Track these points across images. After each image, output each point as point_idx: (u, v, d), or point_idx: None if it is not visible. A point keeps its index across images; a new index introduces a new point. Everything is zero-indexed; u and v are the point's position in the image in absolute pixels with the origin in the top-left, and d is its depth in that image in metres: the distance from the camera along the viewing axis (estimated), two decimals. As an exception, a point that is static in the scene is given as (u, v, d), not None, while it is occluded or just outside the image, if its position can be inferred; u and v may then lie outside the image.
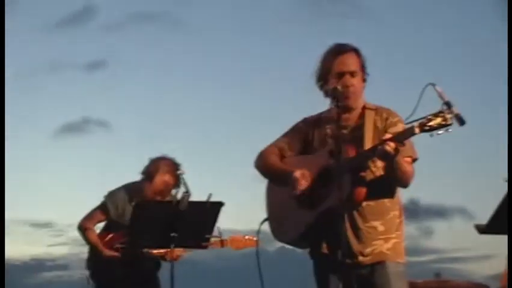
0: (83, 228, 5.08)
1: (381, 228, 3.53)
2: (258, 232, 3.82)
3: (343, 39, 3.76)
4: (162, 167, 4.99)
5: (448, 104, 3.15)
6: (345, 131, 3.58)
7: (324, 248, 3.52)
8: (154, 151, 5.19)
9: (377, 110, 3.63)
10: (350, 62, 3.59)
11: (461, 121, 3.15)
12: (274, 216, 3.74)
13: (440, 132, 3.14)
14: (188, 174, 5.03)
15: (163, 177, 4.96)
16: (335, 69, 3.59)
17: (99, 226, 5.20)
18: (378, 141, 3.41)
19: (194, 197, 4.42)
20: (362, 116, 3.63)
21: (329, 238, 3.48)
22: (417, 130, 3.19)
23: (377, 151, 3.31)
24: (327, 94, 3.64)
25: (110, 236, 5.00)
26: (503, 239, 4.84)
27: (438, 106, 3.18)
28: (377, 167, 3.51)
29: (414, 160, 3.54)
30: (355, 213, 3.50)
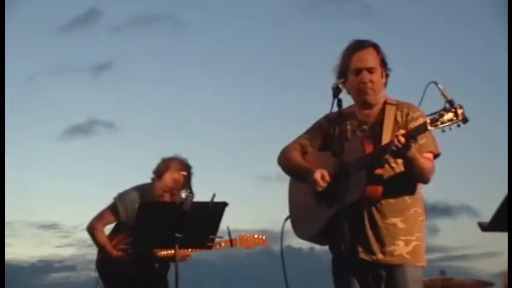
0: (92, 229, 5.07)
1: (401, 225, 3.49)
2: (282, 231, 3.76)
3: (348, 38, 3.75)
4: (173, 166, 5.03)
5: (451, 102, 3.14)
6: (365, 127, 3.58)
7: (343, 245, 3.51)
8: (160, 152, 5.22)
9: (398, 105, 3.60)
10: (368, 58, 3.57)
11: (465, 119, 3.14)
12: (295, 213, 3.74)
13: (451, 127, 3.11)
14: (195, 175, 5.08)
15: (172, 175, 4.99)
16: (353, 65, 3.57)
17: (108, 227, 5.20)
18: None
19: (201, 197, 4.44)
20: (382, 111, 3.60)
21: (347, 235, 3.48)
22: (429, 126, 3.16)
23: (389, 148, 3.30)
24: (348, 91, 3.62)
25: (120, 237, 4.99)
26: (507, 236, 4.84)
27: (441, 104, 3.18)
28: (397, 163, 3.49)
29: (436, 155, 3.52)
30: (374, 210, 3.48)
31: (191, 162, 5.12)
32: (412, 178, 3.51)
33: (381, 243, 3.47)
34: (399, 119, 3.55)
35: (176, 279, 4.28)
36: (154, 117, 10.38)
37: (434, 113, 3.16)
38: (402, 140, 3.22)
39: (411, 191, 3.55)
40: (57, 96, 10.68)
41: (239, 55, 10.54)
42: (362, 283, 3.48)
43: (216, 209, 4.38)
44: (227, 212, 4.42)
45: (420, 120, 3.44)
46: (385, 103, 3.62)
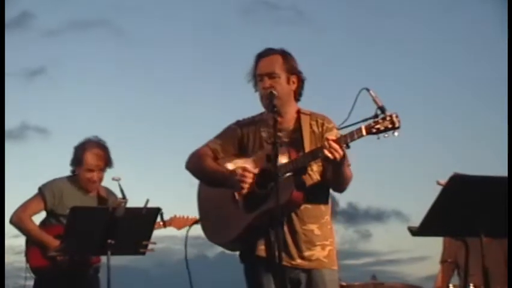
0: (20, 221, 4.83)
1: (317, 231, 3.56)
2: (186, 235, 3.86)
3: (282, 44, 3.77)
4: (88, 145, 4.94)
5: (382, 109, 3.21)
6: (280, 134, 3.57)
7: (260, 251, 3.53)
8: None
9: (312, 115, 3.67)
10: (270, 64, 3.62)
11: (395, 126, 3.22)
12: (209, 218, 3.72)
13: (386, 135, 3.19)
14: (129, 180, 5.00)
15: (92, 151, 4.89)
16: (257, 71, 3.65)
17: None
18: (319, 144, 3.47)
19: (135, 203, 4.38)
20: (298, 120, 3.65)
21: (266, 240, 3.50)
22: (364, 132, 3.23)
23: (320, 153, 3.32)
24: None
25: (53, 229, 4.82)
26: (437, 241, 4.97)
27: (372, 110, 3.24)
28: (313, 171, 3.56)
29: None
30: (293, 215, 3.53)
31: (125, 167, 5.06)
32: (333, 185, 3.58)
33: (299, 249, 3.53)
34: (314, 128, 3.62)
35: (109, 284, 4.21)
36: (86, 122, 10.25)
37: (367, 119, 3.23)
38: (336, 146, 3.26)
39: (326, 199, 3.64)
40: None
41: (175, 60, 10.52)
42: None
43: (150, 215, 4.33)
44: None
45: (334, 131, 3.56)
46: (299, 112, 3.68)
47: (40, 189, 4.94)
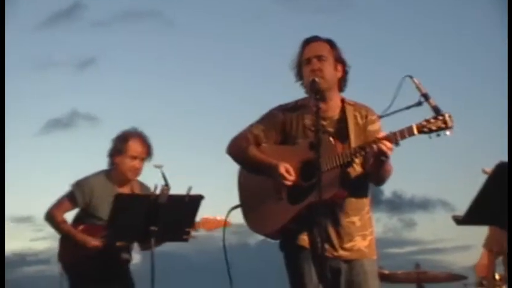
0: (52, 217, 4.92)
1: (358, 223, 3.55)
2: (226, 218, 3.82)
3: (326, 34, 3.73)
4: (130, 135, 4.95)
5: (426, 96, 3.18)
6: (324, 123, 3.54)
7: (302, 240, 3.51)
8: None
9: (355, 106, 3.62)
10: (318, 48, 3.59)
11: (438, 112, 3.18)
12: (251, 206, 3.69)
13: (438, 134, 3.16)
14: (175, 168, 5.03)
15: (135, 140, 4.92)
16: (304, 56, 3.60)
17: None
18: (362, 136, 3.47)
19: (179, 190, 4.40)
20: (343, 109, 3.60)
21: (308, 231, 3.49)
22: (416, 131, 3.20)
23: (375, 149, 3.29)
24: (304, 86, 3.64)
25: (81, 227, 4.88)
26: (482, 230, 4.90)
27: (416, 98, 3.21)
28: (356, 163, 3.52)
29: None
30: (337, 208, 3.50)
31: (170, 155, 5.09)
32: (374, 179, 3.55)
33: (341, 240, 3.52)
34: (359, 120, 3.58)
35: (153, 270, 4.25)
36: (136, 113, 10.37)
37: (410, 106, 3.20)
38: (389, 145, 3.25)
39: (368, 190, 3.61)
40: (40, 91, 10.59)
41: (222, 50, 10.57)
42: (320, 278, 3.43)
43: (192, 202, 4.35)
44: (203, 205, 4.40)
45: (377, 123, 3.54)
46: (343, 101, 3.63)
47: (71, 187, 4.97)
